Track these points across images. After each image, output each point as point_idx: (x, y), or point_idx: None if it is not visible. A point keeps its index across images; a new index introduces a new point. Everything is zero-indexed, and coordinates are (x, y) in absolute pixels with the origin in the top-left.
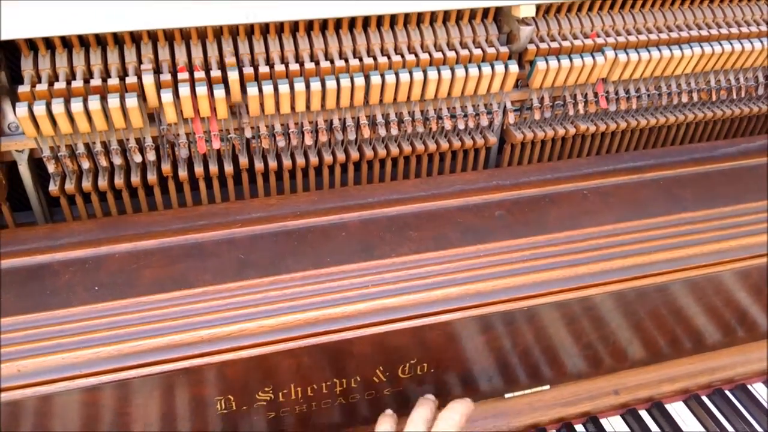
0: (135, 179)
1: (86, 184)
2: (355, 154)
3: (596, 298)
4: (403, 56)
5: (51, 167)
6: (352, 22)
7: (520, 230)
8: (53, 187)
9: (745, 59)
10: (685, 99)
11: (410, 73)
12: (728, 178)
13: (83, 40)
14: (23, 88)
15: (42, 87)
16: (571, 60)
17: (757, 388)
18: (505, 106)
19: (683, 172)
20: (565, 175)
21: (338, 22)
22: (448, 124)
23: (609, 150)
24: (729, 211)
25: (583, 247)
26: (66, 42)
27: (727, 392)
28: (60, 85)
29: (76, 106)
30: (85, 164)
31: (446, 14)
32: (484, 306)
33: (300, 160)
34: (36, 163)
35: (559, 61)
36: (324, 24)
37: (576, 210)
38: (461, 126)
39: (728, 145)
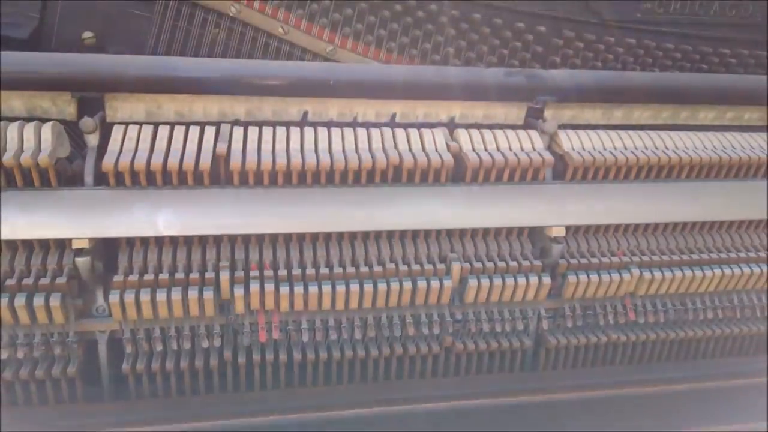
0: (198, 363)
1: (155, 366)
2: (399, 350)
3: None
4: (447, 264)
5: (128, 348)
6: (403, 233)
7: None
8: (126, 366)
9: (766, 281)
10: (710, 315)
11: (453, 279)
12: (760, 393)
13: (173, 239)
14: (117, 278)
15: (133, 277)
16: (599, 275)
17: None
18: (539, 313)
19: (714, 386)
20: (597, 382)
21: (391, 233)
22: (486, 327)
23: (641, 358)
24: (761, 426)
25: None
26: (158, 240)
27: None
28: (148, 276)
29: (161, 296)
30: (158, 347)
31: (486, 230)
32: None
33: (348, 352)
34: (112, 343)
35: (588, 275)
36: (378, 233)
37: (608, 417)
38: (498, 329)
39: (759, 361)
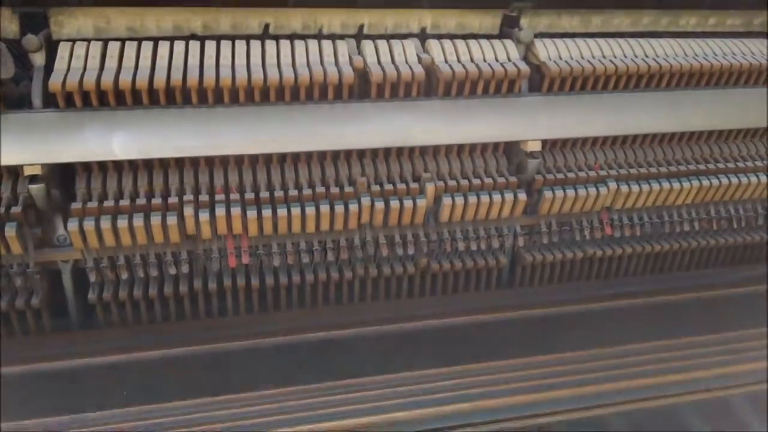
0: (168, 290)
1: (122, 294)
2: (373, 271)
3: (605, 418)
4: (420, 183)
5: (92, 277)
6: (375, 152)
7: (530, 349)
8: (92, 295)
9: (743, 192)
10: (687, 227)
11: (426, 198)
12: (733, 304)
13: (132, 164)
14: (76, 205)
15: (92, 204)
16: (575, 190)
17: None
18: (515, 230)
19: (689, 297)
20: (573, 297)
21: (362, 152)
22: (461, 246)
23: (616, 273)
24: (734, 336)
25: (591, 367)
26: (117, 165)
27: None
28: (108, 203)
29: (122, 222)
30: (124, 275)
31: (461, 147)
32: (494, 423)
33: (322, 275)
34: (77, 272)
35: (564, 191)
36: (348, 153)
37: (584, 331)
38: (474, 248)
39: (732, 272)
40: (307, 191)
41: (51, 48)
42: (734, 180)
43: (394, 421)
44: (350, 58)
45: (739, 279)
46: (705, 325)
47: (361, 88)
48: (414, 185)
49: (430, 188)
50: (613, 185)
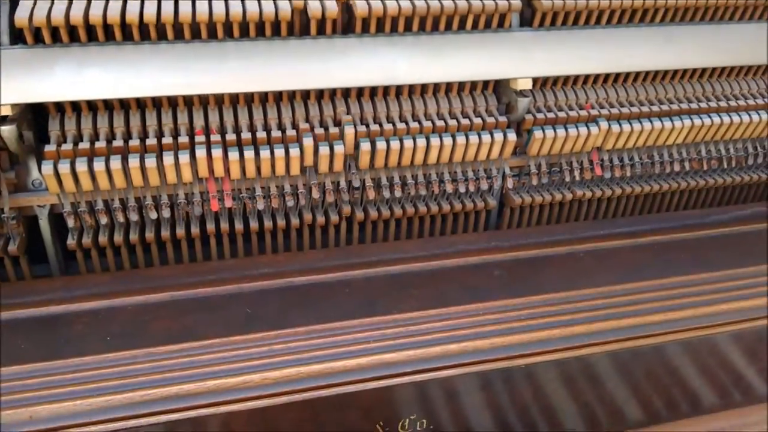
0: (149, 235)
1: (102, 239)
2: (360, 214)
3: (592, 358)
4: (407, 123)
5: (70, 222)
6: (360, 91)
7: (518, 290)
8: (71, 241)
9: (735, 131)
10: (677, 168)
11: (414, 139)
12: (720, 244)
13: (107, 104)
14: (49, 147)
15: (67, 146)
16: (566, 130)
17: None
18: (504, 172)
19: (677, 238)
20: (562, 238)
21: (347, 91)
22: (449, 188)
23: (605, 215)
24: (721, 275)
25: (580, 307)
26: (91, 105)
27: None
28: (84, 145)
29: (98, 165)
30: (103, 220)
31: (448, 85)
32: (482, 363)
33: (307, 219)
34: (55, 218)
35: (555, 130)
36: (333, 92)
37: (572, 271)
38: (462, 189)
39: (720, 212)
40: (291, 132)
41: None
42: (726, 119)
43: (382, 363)
44: None
45: (727, 219)
46: (693, 265)
47: (346, 23)
48: (401, 126)
49: (417, 128)
50: (604, 125)
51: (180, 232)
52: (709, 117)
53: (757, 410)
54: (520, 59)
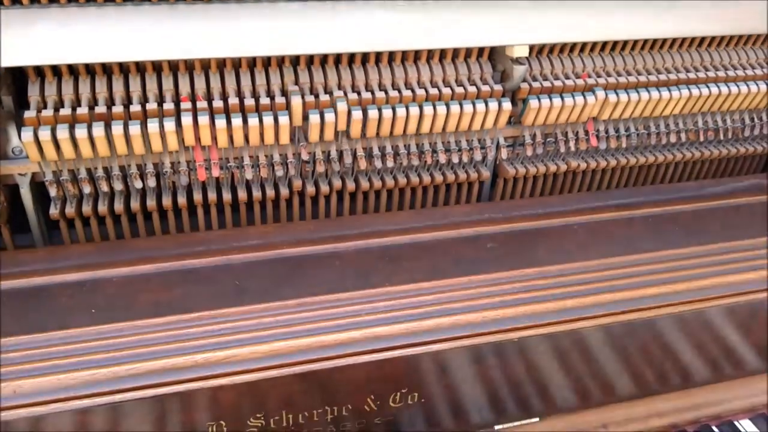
0: (135, 205)
1: (86, 209)
2: (351, 185)
3: (585, 331)
4: (400, 91)
5: (53, 191)
6: (352, 57)
7: (511, 262)
8: (54, 211)
9: (732, 102)
10: (673, 139)
11: (407, 107)
12: (716, 217)
13: (89, 68)
14: (29, 114)
15: (47, 113)
16: (562, 99)
17: (744, 425)
18: (498, 142)
19: (672, 210)
20: (556, 210)
21: (338, 58)
22: (442, 158)
23: (599, 186)
24: (716, 248)
25: (573, 280)
26: (72, 69)
27: (714, 428)
28: (65, 111)
29: (80, 132)
30: (86, 189)
31: (442, 52)
32: (474, 336)
33: (297, 188)
34: (37, 187)
35: (551, 99)
36: (324, 59)
37: (566, 244)
38: (455, 160)
39: (716, 184)
40: (279, 99)
41: None
42: (724, 89)
43: (374, 337)
44: None
45: (723, 191)
46: (689, 237)
47: None
48: (393, 93)
49: (410, 96)
50: (601, 94)
51: (166, 201)
52: (707, 87)
53: (746, 383)
54: (516, 26)
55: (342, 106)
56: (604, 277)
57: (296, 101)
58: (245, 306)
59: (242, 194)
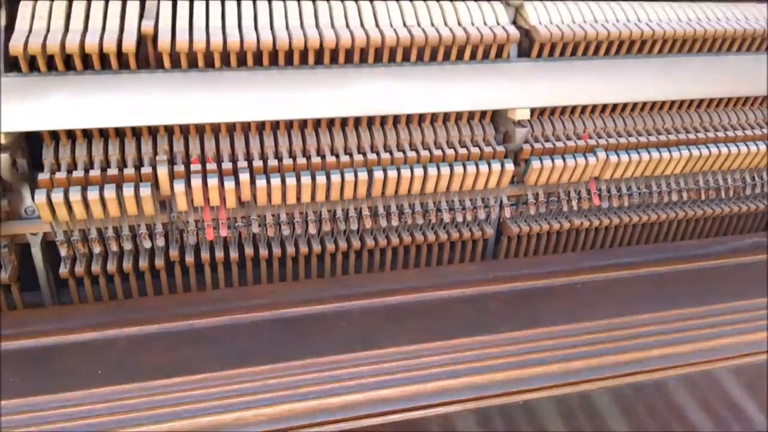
0: (143, 264)
1: (95, 268)
2: (356, 243)
3: (592, 393)
4: (404, 153)
5: (63, 251)
6: (358, 120)
7: (517, 323)
8: (63, 270)
9: (732, 161)
10: (675, 197)
11: (411, 169)
12: (719, 276)
13: (103, 131)
14: (43, 176)
15: (61, 175)
16: (564, 160)
17: None
18: (501, 201)
19: (676, 269)
20: (560, 269)
21: (344, 120)
22: (446, 217)
23: (603, 244)
24: (721, 308)
25: (579, 341)
26: (86, 133)
27: None
28: (78, 173)
29: (92, 194)
30: (96, 248)
31: (446, 115)
32: (480, 399)
33: (303, 248)
34: (48, 246)
35: (552, 160)
36: (331, 121)
37: (571, 304)
38: (459, 218)
39: (718, 242)
40: (287, 161)
41: (12, 7)
42: (724, 149)
43: (379, 399)
44: (332, 22)
45: (725, 250)
46: (692, 297)
47: (345, 52)
48: (398, 155)
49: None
50: (602, 155)
51: (173, 255)
52: (707, 147)
53: None
54: (517, 90)
55: (349, 176)
56: (609, 338)
57: (306, 180)
58: (250, 367)
59: (249, 250)
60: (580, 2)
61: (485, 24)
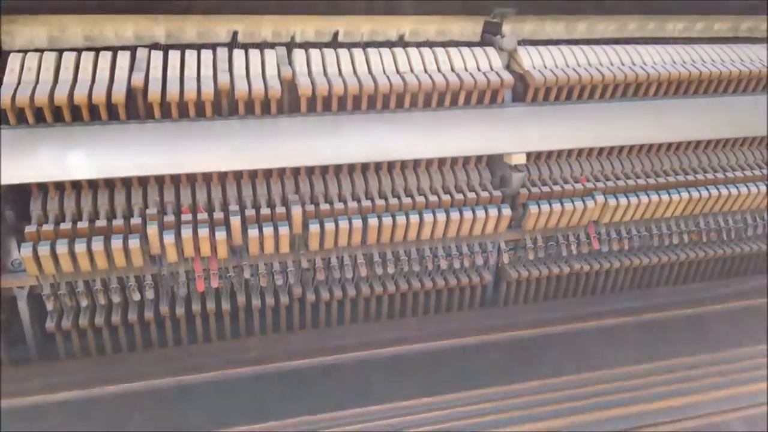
0: (132, 316)
1: (83, 321)
2: (352, 292)
3: None
4: (399, 199)
5: (50, 305)
6: (352, 167)
7: (516, 374)
8: (50, 324)
9: (733, 203)
10: (675, 240)
11: (407, 215)
12: (724, 321)
13: (92, 183)
14: (29, 228)
15: (48, 227)
16: (562, 204)
17: None
18: (499, 246)
19: (680, 314)
20: (559, 316)
21: (338, 167)
22: (443, 263)
23: (603, 288)
24: (727, 356)
25: (581, 394)
26: (75, 184)
27: None
28: (66, 225)
29: (80, 247)
30: (84, 302)
31: (442, 160)
32: None
33: (297, 296)
34: (34, 299)
35: (550, 205)
36: (325, 168)
37: (571, 352)
38: (457, 265)
39: (722, 286)
40: (280, 209)
41: (1, 60)
42: (724, 191)
43: None
44: (324, 69)
45: (730, 293)
46: (696, 343)
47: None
48: (393, 201)
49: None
50: (600, 198)
51: (164, 310)
52: (707, 189)
53: None
54: (513, 135)
55: (343, 224)
56: (613, 389)
57: (296, 211)
58: (239, 427)
59: (241, 298)
60: (574, 46)
61: (479, 69)
